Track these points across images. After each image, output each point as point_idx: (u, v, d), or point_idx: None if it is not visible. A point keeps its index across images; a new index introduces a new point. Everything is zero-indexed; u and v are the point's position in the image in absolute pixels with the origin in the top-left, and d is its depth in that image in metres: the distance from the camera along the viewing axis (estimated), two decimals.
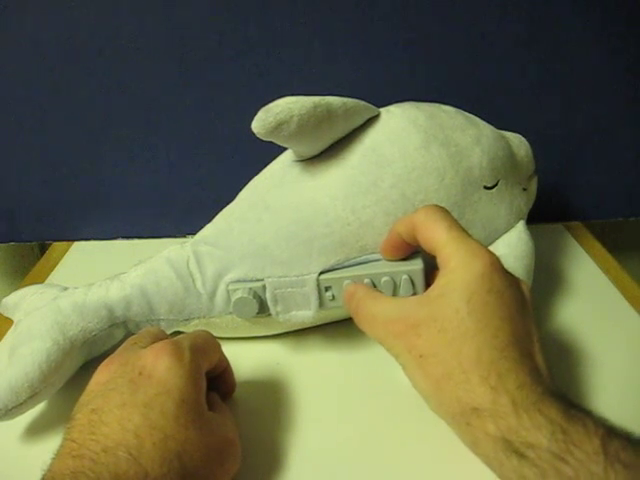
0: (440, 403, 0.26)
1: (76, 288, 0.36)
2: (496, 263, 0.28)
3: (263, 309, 0.35)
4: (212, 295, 0.36)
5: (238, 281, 0.35)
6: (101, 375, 0.28)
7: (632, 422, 0.23)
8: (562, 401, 0.24)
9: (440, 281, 0.28)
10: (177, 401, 0.26)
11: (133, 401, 0.26)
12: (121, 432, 0.24)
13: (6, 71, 0.47)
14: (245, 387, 0.35)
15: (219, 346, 0.32)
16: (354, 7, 0.45)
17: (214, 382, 0.32)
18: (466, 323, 0.26)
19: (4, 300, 0.38)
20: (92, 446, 0.24)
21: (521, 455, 0.22)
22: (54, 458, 0.24)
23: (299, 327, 0.38)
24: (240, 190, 0.39)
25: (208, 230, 0.38)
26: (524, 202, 0.40)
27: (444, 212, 0.30)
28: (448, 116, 0.38)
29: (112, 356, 0.29)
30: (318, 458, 0.31)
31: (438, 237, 0.28)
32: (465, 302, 0.26)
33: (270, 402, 0.35)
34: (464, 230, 0.29)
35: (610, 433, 0.22)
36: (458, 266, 0.27)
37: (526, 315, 0.28)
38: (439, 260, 0.29)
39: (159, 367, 0.27)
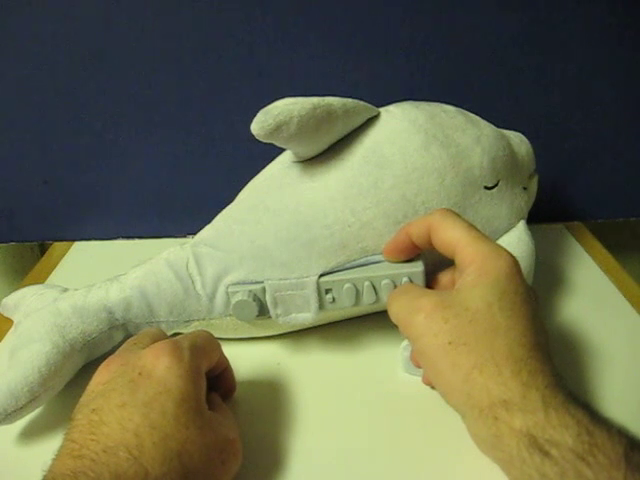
0: (468, 395, 0.26)
1: (76, 290, 0.36)
2: (518, 265, 0.28)
3: (263, 311, 0.35)
4: (212, 297, 0.36)
5: (238, 283, 0.35)
6: (101, 375, 0.28)
7: (633, 422, 0.24)
8: (587, 406, 0.24)
9: (467, 277, 0.28)
10: (177, 401, 0.26)
11: (133, 401, 0.26)
12: (121, 432, 0.24)
13: (6, 71, 0.47)
14: (245, 387, 0.35)
15: (219, 346, 0.32)
16: (354, 7, 0.45)
17: (214, 382, 0.32)
18: (497, 318, 0.26)
19: (4, 300, 0.38)
20: (92, 446, 0.24)
21: (545, 453, 0.23)
22: (54, 459, 0.24)
23: (299, 328, 0.38)
24: (240, 190, 0.39)
25: (207, 232, 0.38)
26: (525, 201, 0.40)
27: (458, 214, 0.30)
28: (448, 116, 0.38)
29: (112, 356, 0.29)
30: (318, 458, 0.31)
31: (458, 237, 0.29)
32: (497, 298, 0.27)
33: (270, 402, 0.35)
34: (481, 231, 0.29)
35: (633, 444, 0.22)
36: (485, 264, 0.28)
37: (541, 320, 0.28)
38: (459, 259, 0.29)
39: (159, 367, 0.27)
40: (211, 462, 0.26)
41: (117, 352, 0.30)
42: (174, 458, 0.24)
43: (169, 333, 0.37)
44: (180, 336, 0.31)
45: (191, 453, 0.25)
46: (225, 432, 0.28)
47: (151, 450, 0.24)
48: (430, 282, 0.34)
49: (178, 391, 0.26)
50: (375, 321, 0.39)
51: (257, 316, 0.35)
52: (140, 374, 0.27)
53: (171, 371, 0.27)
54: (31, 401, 0.31)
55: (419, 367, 0.34)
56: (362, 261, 0.34)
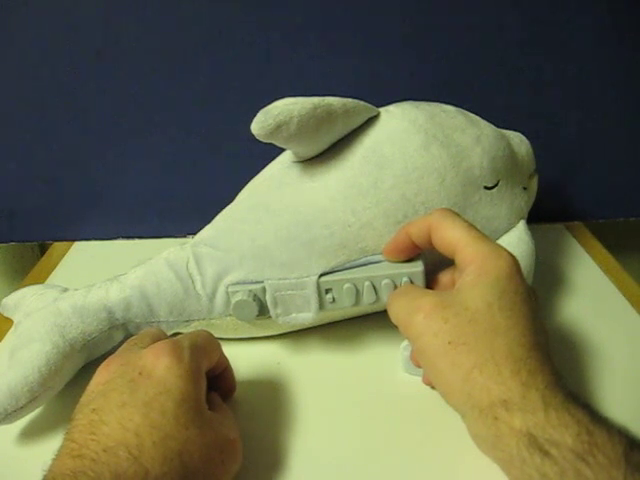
0: (468, 395, 0.26)
1: (76, 290, 0.36)
2: (518, 265, 0.28)
3: (263, 311, 0.35)
4: (212, 297, 0.36)
5: (238, 283, 0.35)
6: (101, 375, 0.28)
7: (633, 422, 0.24)
8: (587, 406, 0.24)
9: (467, 277, 0.28)
10: (177, 400, 0.26)
11: (133, 401, 0.26)
12: (121, 432, 0.24)
13: (6, 71, 0.47)
14: (245, 387, 0.35)
15: (219, 345, 0.32)
16: (354, 6, 0.45)
17: (214, 382, 0.32)
18: (497, 318, 0.26)
19: (4, 300, 0.38)
20: (92, 446, 0.24)
21: (545, 453, 0.23)
22: (54, 458, 0.24)
23: (299, 328, 0.38)
24: (240, 190, 0.39)
25: (208, 231, 0.38)
26: (525, 201, 0.40)
27: (458, 214, 0.30)
28: (448, 116, 0.38)
29: (112, 356, 0.29)
30: (318, 458, 0.31)
31: (458, 237, 0.29)
32: (497, 298, 0.27)
33: (270, 402, 0.35)
34: (481, 231, 0.29)
35: (632, 444, 0.22)
36: (485, 263, 0.28)
37: (541, 320, 0.28)
38: (459, 258, 0.29)
39: (159, 367, 0.27)
40: (211, 462, 0.26)
41: (117, 352, 0.30)
42: (174, 458, 0.24)
43: (169, 333, 0.37)
44: (180, 336, 0.31)
45: (191, 453, 0.25)
46: (225, 432, 0.28)
47: (151, 450, 0.24)
48: (430, 282, 0.34)
49: (178, 391, 0.26)
50: (375, 321, 0.39)
51: (257, 316, 0.35)
52: (140, 374, 0.27)
53: (171, 371, 0.27)
54: (31, 401, 0.31)
55: (419, 367, 0.34)
56: (362, 261, 0.34)
